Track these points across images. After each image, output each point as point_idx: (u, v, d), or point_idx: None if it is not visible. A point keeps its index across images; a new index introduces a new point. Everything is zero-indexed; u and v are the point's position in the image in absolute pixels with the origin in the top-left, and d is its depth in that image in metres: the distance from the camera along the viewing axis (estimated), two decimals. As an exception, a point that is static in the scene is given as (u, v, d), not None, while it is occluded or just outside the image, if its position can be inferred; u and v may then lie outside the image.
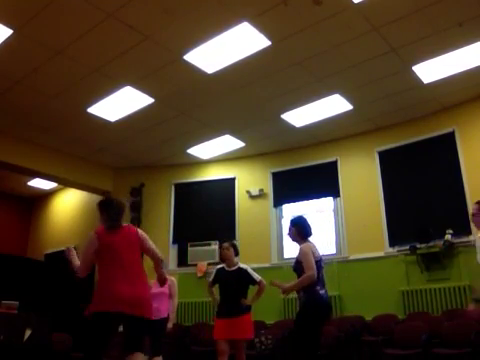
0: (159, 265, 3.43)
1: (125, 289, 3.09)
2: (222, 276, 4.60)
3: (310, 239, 3.92)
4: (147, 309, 3.16)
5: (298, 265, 3.71)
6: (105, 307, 3.05)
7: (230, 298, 4.49)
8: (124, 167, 9.08)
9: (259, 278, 4.61)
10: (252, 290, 4.65)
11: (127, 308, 3.06)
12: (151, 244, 3.42)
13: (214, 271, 4.76)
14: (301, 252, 3.70)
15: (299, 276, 3.72)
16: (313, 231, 3.96)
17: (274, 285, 3.84)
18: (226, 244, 4.67)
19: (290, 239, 4.02)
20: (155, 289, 4.85)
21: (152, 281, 5.51)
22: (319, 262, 3.71)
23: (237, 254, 4.70)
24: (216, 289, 4.73)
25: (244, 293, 4.55)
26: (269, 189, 8.32)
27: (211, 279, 4.72)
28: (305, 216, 4.08)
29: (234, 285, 4.51)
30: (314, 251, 3.72)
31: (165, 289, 5.09)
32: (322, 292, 3.59)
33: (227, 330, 4.34)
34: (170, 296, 5.30)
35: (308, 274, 3.57)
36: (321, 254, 3.83)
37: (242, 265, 4.65)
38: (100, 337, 3.07)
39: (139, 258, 3.32)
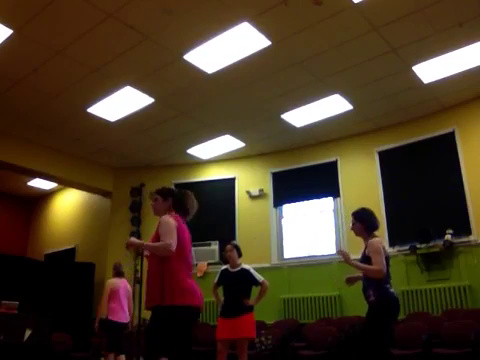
0: None
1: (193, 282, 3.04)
2: (226, 277, 4.66)
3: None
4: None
5: (366, 261, 3.52)
6: (189, 301, 2.91)
7: (233, 298, 4.52)
8: (124, 167, 9.08)
9: (262, 279, 4.63)
10: (255, 290, 4.66)
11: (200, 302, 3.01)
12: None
13: (218, 273, 4.80)
14: (372, 248, 3.49)
15: (363, 275, 3.59)
16: (378, 223, 3.72)
17: (341, 254, 3.60)
18: (229, 246, 4.72)
19: (353, 233, 3.83)
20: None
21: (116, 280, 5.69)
22: (388, 258, 3.54)
23: (240, 255, 4.72)
24: (219, 290, 4.75)
25: (247, 293, 4.58)
26: (269, 189, 8.32)
27: (216, 281, 4.77)
28: (368, 208, 3.82)
29: (237, 286, 4.55)
30: (384, 246, 3.55)
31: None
32: (392, 290, 3.45)
33: (229, 330, 4.38)
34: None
35: (376, 268, 3.40)
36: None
37: (245, 266, 4.69)
38: (178, 334, 2.89)
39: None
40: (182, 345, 2.92)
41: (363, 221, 3.69)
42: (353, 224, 3.76)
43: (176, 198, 3.22)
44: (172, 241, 2.91)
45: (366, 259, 3.53)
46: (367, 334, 3.43)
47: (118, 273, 5.82)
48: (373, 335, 3.37)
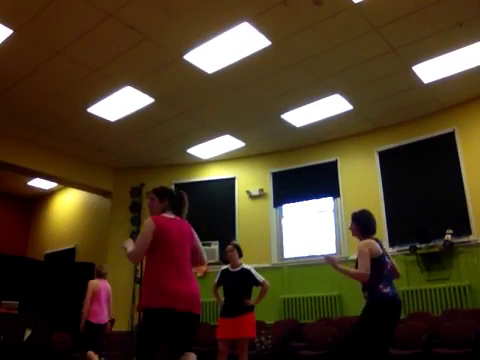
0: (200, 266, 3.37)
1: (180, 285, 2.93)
2: (226, 277, 4.66)
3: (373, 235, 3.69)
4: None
5: (356, 263, 3.56)
6: (164, 303, 2.84)
7: (233, 298, 4.53)
8: (124, 167, 9.08)
9: (262, 279, 4.64)
10: (256, 290, 4.67)
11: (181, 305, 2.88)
12: (200, 244, 3.26)
13: (219, 273, 4.80)
14: (358, 251, 3.53)
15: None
16: (375, 227, 3.70)
17: (328, 260, 3.66)
18: (230, 246, 4.71)
19: (351, 234, 3.84)
20: None
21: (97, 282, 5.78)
22: (382, 258, 3.51)
23: (241, 255, 4.73)
24: (220, 290, 4.76)
25: (248, 293, 4.59)
26: (269, 189, 8.32)
27: (216, 281, 4.77)
28: (368, 211, 3.80)
29: (238, 286, 4.55)
30: (373, 248, 3.49)
31: None
32: (386, 291, 3.41)
33: (230, 329, 4.39)
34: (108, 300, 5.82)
35: (359, 272, 3.44)
36: (382, 250, 3.56)
37: (246, 266, 4.69)
38: (156, 336, 2.82)
39: (190, 254, 3.11)
40: (175, 348, 2.87)
41: (358, 223, 3.71)
42: (350, 224, 3.78)
43: (172, 199, 3.20)
44: (134, 249, 2.93)
45: (357, 261, 3.57)
46: (358, 333, 3.44)
47: (100, 274, 5.93)
48: (364, 334, 3.38)
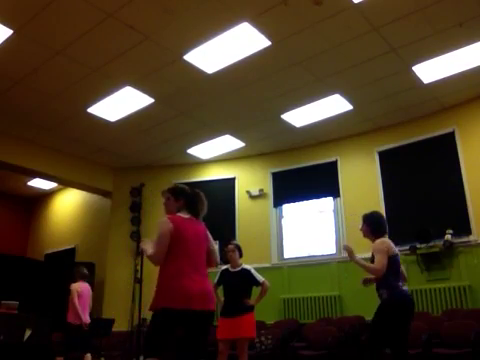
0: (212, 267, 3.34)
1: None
2: (226, 277, 4.66)
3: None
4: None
5: (373, 262, 3.55)
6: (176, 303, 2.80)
7: (233, 298, 4.53)
8: (124, 167, 9.08)
9: (262, 279, 4.64)
10: (256, 290, 4.67)
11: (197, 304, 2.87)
12: (214, 246, 3.27)
13: (218, 273, 4.79)
14: (375, 247, 3.55)
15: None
16: (386, 228, 3.76)
17: (346, 248, 3.63)
18: (231, 246, 4.71)
19: (362, 235, 3.85)
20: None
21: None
22: (397, 257, 3.57)
23: (241, 255, 4.73)
24: (220, 290, 4.75)
25: (248, 293, 4.59)
26: (269, 189, 8.32)
27: (216, 281, 4.75)
28: (379, 212, 3.89)
29: (238, 286, 4.55)
30: (389, 246, 3.55)
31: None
32: (404, 288, 3.50)
33: (230, 329, 4.38)
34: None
35: (375, 267, 3.44)
36: (396, 249, 3.61)
37: (246, 266, 4.69)
38: (170, 336, 2.81)
39: (205, 254, 3.09)
40: (186, 348, 2.85)
41: (370, 224, 3.74)
42: (362, 226, 3.80)
43: (188, 199, 3.15)
44: (155, 251, 2.86)
45: (373, 260, 3.56)
46: (377, 332, 3.41)
47: (83, 276, 6.04)
48: (380, 334, 3.37)
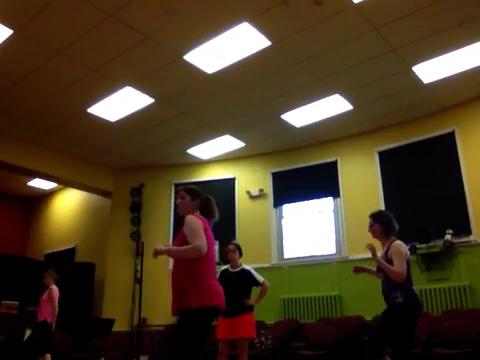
0: None
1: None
2: (226, 277, 4.65)
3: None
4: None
5: (387, 263, 3.51)
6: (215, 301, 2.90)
7: (233, 298, 4.51)
8: (124, 167, 9.08)
9: (262, 279, 4.64)
10: (255, 290, 4.67)
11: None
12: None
13: (218, 273, 4.79)
14: (395, 250, 3.50)
15: (385, 276, 3.56)
16: (397, 227, 3.69)
17: (370, 248, 3.54)
18: (232, 246, 4.72)
19: (370, 235, 3.78)
20: (44, 295, 5.90)
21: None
22: (409, 261, 3.58)
23: (241, 255, 4.74)
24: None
25: (248, 293, 4.59)
26: (269, 189, 8.32)
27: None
28: (387, 211, 3.85)
29: (238, 286, 4.55)
30: (407, 251, 3.55)
31: (44, 295, 5.93)
32: (415, 290, 3.50)
33: (229, 329, 4.38)
34: (49, 301, 5.94)
35: (398, 271, 3.41)
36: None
37: (246, 266, 4.70)
38: (205, 334, 2.86)
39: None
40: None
41: (383, 223, 3.67)
42: (371, 226, 3.72)
43: (203, 201, 3.16)
44: (201, 242, 2.83)
45: (387, 262, 3.53)
46: (394, 335, 3.39)
47: (56, 280, 6.14)
48: (400, 335, 3.36)
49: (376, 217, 3.72)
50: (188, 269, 2.88)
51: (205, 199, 3.19)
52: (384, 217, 3.72)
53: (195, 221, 2.94)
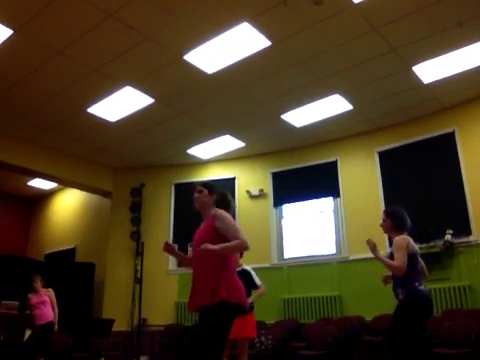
0: None
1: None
2: None
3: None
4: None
5: (392, 259, 3.49)
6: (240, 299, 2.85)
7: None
8: (124, 167, 9.08)
9: (260, 283, 4.64)
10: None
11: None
12: None
13: None
14: (395, 244, 3.51)
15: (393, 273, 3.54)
16: (409, 224, 3.73)
17: (369, 243, 3.54)
18: None
19: (382, 230, 3.80)
20: (43, 297, 5.99)
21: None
22: (417, 255, 3.54)
23: (241, 255, 4.75)
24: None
25: (248, 294, 4.58)
26: (269, 189, 8.32)
27: None
28: (401, 208, 3.86)
29: None
30: (410, 243, 3.53)
31: (46, 298, 6.03)
32: (421, 288, 3.42)
33: None
34: (51, 303, 6.09)
35: (396, 264, 3.39)
36: (416, 248, 3.59)
37: (246, 267, 4.69)
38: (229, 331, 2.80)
39: None
40: None
41: (394, 219, 3.69)
42: (383, 221, 3.75)
43: (221, 196, 3.15)
44: (244, 236, 2.85)
45: (391, 257, 3.52)
46: (394, 332, 3.38)
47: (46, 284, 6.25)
48: (398, 335, 3.33)
49: (388, 213, 3.76)
50: (218, 266, 2.82)
51: (222, 194, 3.18)
52: (396, 213, 3.74)
53: (229, 216, 2.95)
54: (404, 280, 3.42)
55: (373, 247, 3.52)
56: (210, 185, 3.16)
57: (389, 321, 3.50)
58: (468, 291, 6.04)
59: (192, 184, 3.22)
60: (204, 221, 3.10)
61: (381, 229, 3.88)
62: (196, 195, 3.12)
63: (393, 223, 3.68)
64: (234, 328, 4.32)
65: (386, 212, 3.79)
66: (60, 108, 6.75)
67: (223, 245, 2.81)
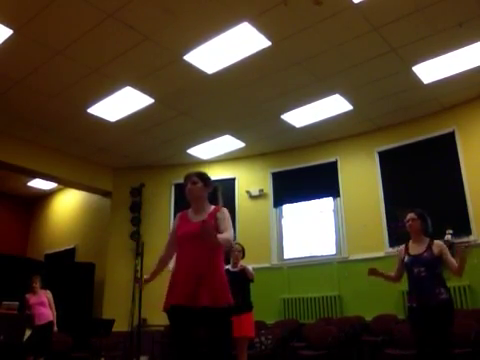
0: None
1: None
2: (227, 277, 4.66)
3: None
4: None
5: (435, 261, 3.60)
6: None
7: (233, 297, 4.53)
8: (124, 167, 9.08)
9: (253, 276, 4.68)
10: (255, 290, 4.68)
11: None
12: None
13: None
14: (445, 250, 3.68)
15: (414, 274, 3.65)
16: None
17: (373, 272, 3.75)
18: (239, 247, 4.77)
19: (409, 231, 3.88)
20: (42, 297, 6.08)
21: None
22: None
23: (243, 257, 4.79)
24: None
25: (247, 292, 4.61)
26: (269, 189, 8.32)
27: None
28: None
29: (237, 285, 4.56)
30: None
31: (44, 299, 6.12)
32: None
33: None
34: (50, 304, 6.19)
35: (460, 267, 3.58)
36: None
37: (244, 265, 4.71)
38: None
39: None
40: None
41: (424, 221, 3.80)
42: (413, 220, 3.82)
43: (214, 190, 2.99)
44: (231, 235, 2.73)
45: (435, 259, 3.65)
46: (445, 335, 3.46)
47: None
48: (449, 334, 3.44)
49: (421, 214, 3.84)
50: (218, 263, 2.72)
51: (215, 188, 3.02)
52: (426, 217, 3.84)
53: (228, 215, 2.85)
54: (444, 280, 3.61)
55: (377, 272, 3.75)
56: (206, 177, 2.96)
57: (437, 320, 3.53)
58: (468, 291, 6.03)
59: (187, 174, 3.02)
60: (196, 215, 2.90)
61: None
62: (189, 186, 2.92)
63: (423, 225, 3.79)
64: (233, 328, 4.36)
65: (418, 213, 3.86)
66: (60, 108, 6.74)
67: (220, 235, 2.63)
